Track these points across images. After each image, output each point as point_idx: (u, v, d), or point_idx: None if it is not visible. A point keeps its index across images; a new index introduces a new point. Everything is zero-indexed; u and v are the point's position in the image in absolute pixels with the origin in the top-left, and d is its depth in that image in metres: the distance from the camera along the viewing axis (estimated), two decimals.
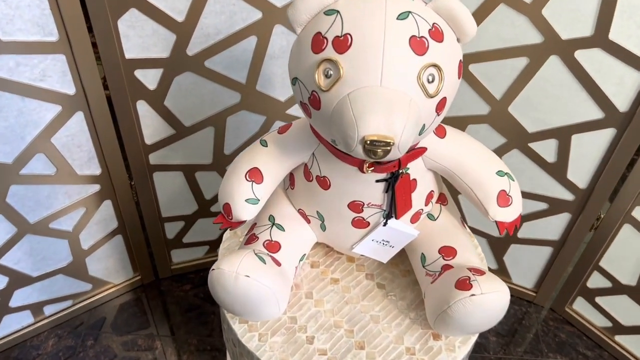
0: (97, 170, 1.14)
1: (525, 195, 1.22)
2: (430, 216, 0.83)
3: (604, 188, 1.15)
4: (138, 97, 1.07)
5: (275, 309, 0.75)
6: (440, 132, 0.76)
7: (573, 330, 1.38)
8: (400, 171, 0.73)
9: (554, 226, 1.26)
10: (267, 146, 0.77)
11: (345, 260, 0.88)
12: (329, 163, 0.74)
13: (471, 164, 0.76)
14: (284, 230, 0.80)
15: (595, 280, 1.29)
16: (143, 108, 1.09)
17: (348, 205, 0.76)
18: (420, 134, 0.64)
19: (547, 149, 1.16)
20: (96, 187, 1.17)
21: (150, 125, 1.13)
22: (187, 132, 1.16)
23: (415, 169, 0.75)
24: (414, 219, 0.80)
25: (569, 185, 1.19)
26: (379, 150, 0.58)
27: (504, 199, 0.76)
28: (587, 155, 1.13)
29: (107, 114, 1.06)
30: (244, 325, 0.79)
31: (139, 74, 1.04)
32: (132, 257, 1.35)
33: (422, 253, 0.80)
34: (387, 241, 0.80)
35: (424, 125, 0.63)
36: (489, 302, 0.70)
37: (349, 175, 0.73)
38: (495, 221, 0.77)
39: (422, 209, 0.80)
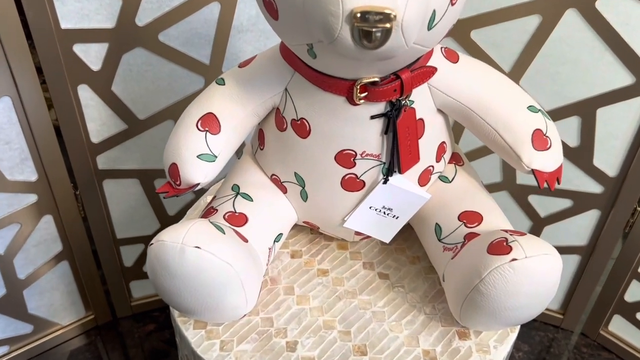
0: (32, 176, 0.95)
1: (546, 191, 1.04)
2: (443, 178, 0.64)
3: (639, 174, 0.96)
4: (79, 80, 0.90)
5: (240, 299, 0.54)
6: (451, 56, 0.58)
7: (611, 358, 1.16)
8: (403, 102, 0.54)
9: (580, 228, 1.07)
10: (224, 84, 0.59)
11: (336, 247, 0.68)
12: (308, 98, 0.55)
13: (494, 97, 0.58)
14: (251, 200, 0.61)
15: (635, 292, 1.09)
16: (86, 95, 0.91)
17: (336, 158, 0.57)
18: (429, 28, 0.46)
19: (568, 130, 0.98)
20: (32, 198, 0.97)
21: (97, 117, 0.94)
22: (143, 127, 0.98)
23: (422, 106, 0.57)
24: (423, 179, 0.61)
25: (596, 174, 1.01)
26: (374, 31, 0.40)
27: (540, 140, 0.58)
28: (616, 133, 0.95)
29: (40, 100, 0.88)
30: (200, 331, 0.58)
31: (79, 49, 0.87)
32: (83, 290, 1.13)
33: (437, 223, 0.61)
34: (389, 209, 0.60)
35: (434, 13, 0.45)
36: (537, 268, 0.50)
37: (334, 112, 0.55)
38: (532, 170, 0.58)
39: (432, 166, 0.61)
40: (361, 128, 0.56)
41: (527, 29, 0.92)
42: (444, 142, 0.62)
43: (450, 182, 0.64)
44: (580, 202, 1.04)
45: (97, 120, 0.94)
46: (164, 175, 1.04)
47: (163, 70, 0.92)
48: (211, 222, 0.54)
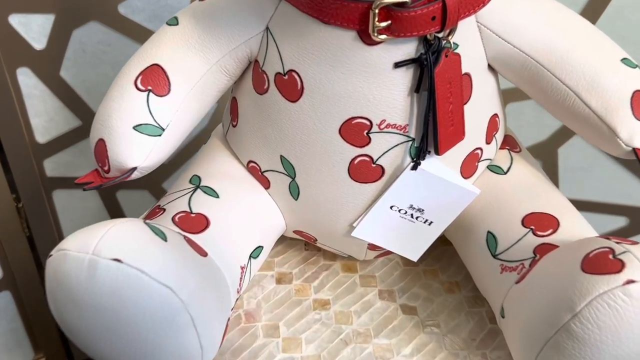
0: None
1: (595, 206, 0.85)
2: (495, 168, 0.45)
3: None
4: (18, 62, 0.74)
5: (190, 344, 0.34)
6: None
7: None
8: (445, 42, 0.36)
9: None
10: (177, 24, 0.40)
11: (341, 269, 0.48)
12: (299, 38, 0.37)
13: (574, 45, 0.40)
14: (216, 197, 0.42)
15: None
16: (28, 81, 0.75)
17: (341, 131, 0.38)
18: None
19: None
20: None
21: (42, 111, 0.78)
22: None
23: (469, 54, 0.39)
24: (468, 167, 0.42)
25: None
26: None
27: None
28: None
29: None
30: None
31: (17, 21, 0.70)
32: (30, 327, 0.94)
33: (490, 232, 0.41)
34: (419, 209, 0.41)
35: None
36: None
37: (339, 58, 0.36)
38: (634, 150, 0.39)
39: (480, 149, 0.42)
40: (380, 83, 0.37)
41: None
42: (496, 115, 0.43)
43: (505, 173, 0.44)
44: (638, 220, 0.85)
45: (43, 114, 0.78)
46: (129, 185, 0.86)
47: (125, 51, 0.75)
48: (148, 224, 0.35)
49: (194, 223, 0.39)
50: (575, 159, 0.84)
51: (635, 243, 0.34)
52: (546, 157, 0.83)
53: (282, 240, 0.50)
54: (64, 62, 0.74)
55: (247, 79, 0.42)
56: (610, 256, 0.33)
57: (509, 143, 0.47)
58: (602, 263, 0.32)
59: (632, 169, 0.83)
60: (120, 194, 0.87)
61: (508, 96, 0.76)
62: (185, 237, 0.37)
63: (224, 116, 0.47)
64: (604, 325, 0.31)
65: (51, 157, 0.81)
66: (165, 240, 0.34)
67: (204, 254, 0.37)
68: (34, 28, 0.71)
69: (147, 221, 0.35)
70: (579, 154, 0.85)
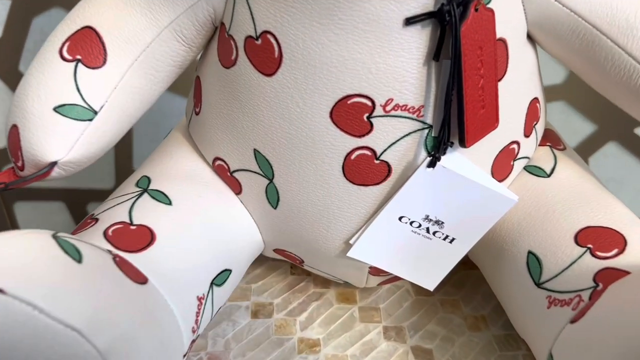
0: None
1: None
2: (534, 170, 0.34)
3: None
4: None
5: None
6: None
7: None
8: None
9: None
10: None
11: (335, 298, 0.38)
12: None
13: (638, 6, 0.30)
14: (168, 204, 0.31)
15: None
16: None
17: (332, 114, 0.28)
18: None
19: None
20: None
21: (0, 111, 0.68)
22: None
23: (505, 15, 0.29)
24: (501, 166, 0.32)
25: None
26: None
27: None
28: None
29: None
30: None
31: None
32: None
33: (531, 252, 0.31)
34: (437, 221, 0.31)
35: None
36: None
37: (330, 14, 0.26)
38: None
39: (517, 144, 0.32)
40: (385, 47, 0.27)
41: None
42: (536, 100, 0.33)
43: (548, 176, 0.34)
44: None
45: (1, 114, 0.68)
46: (102, 197, 0.77)
47: None
48: (58, 238, 0.25)
49: (133, 238, 0.29)
50: (608, 170, 0.74)
51: None
52: None
53: (263, 261, 0.40)
54: (23, 54, 0.66)
55: (212, 50, 0.32)
56: None
57: (551, 139, 0.37)
58: None
59: None
60: (92, 206, 0.77)
61: None
62: (115, 257, 0.27)
63: (187, 103, 0.37)
64: None
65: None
66: (80, 261, 0.24)
67: (141, 280, 0.27)
68: None
69: (60, 234, 0.25)
70: (611, 164, 0.75)
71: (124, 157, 0.76)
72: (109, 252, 0.27)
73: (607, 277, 0.28)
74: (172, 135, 0.37)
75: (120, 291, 0.25)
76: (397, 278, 0.36)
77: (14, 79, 0.66)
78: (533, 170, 0.34)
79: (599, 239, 0.30)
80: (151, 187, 0.32)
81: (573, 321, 0.28)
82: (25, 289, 0.22)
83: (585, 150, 0.74)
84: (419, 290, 0.39)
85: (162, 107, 0.73)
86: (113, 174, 0.76)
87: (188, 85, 0.38)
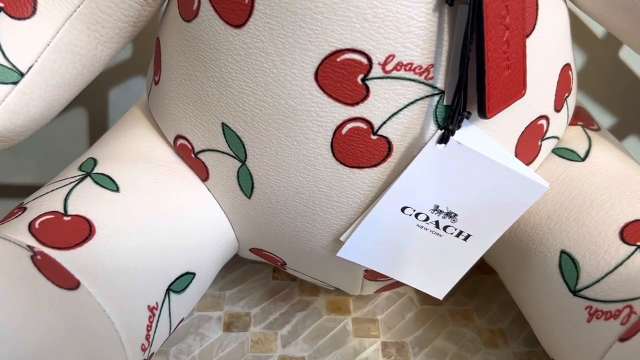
0: None
1: None
2: (566, 152, 0.28)
3: None
4: None
5: None
6: None
7: None
8: None
9: None
10: None
11: (324, 308, 0.32)
12: None
13: None
14: (115, 190, 0.25)
15: None
16: None
17: (318, 74, 0.22)
18: None
19: None
20: None
21: None
22: None
23: None
24: (526, 147, 0.26)
25: None
26: None
27: None
28: None
29: None
30: None
31: None
32: None
33: (565, 252, 0.25)
34: (449, 213, 0.25)
35: None
36: None
37: None
38: None
39: (546, 119, 0.26)
40: None
41: None
42: (569, 67, 0.27)
43: (582, 160, 0.28)
44: None
45: None
46: None
47: None
48: None
49: (65, 232, 0.23)
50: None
51: None
52: None
53: (240, 264, 0.34)
54: None
55: (173, 3, 0.26)
56: None
57: (582, 117, 0.31)
58: None
59: None
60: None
61: None
62: (38, 253, 0.21)
63: (148, 73, 0.31)
64: None
65: None
66: None
67: (70, 284, 0.21)
68: None
69: None
70: (634, 157, 0.69)
71: None
72: (29, 248, 0.21)
73: None
74: (130, 112, 0.31)
75: (34, 298, 0.19)
76: (398, 284, 0.30)
77: None
78: (564, 153, 0.28)
79: None
80: (96, 170, 0.26)
81: (623, 339, 0.22)
82: None
83: None
84: (424, 298, 0.33)
85: (141, 95, 0.67)
86: None
87: None
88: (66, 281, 0.21)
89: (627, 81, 0.67)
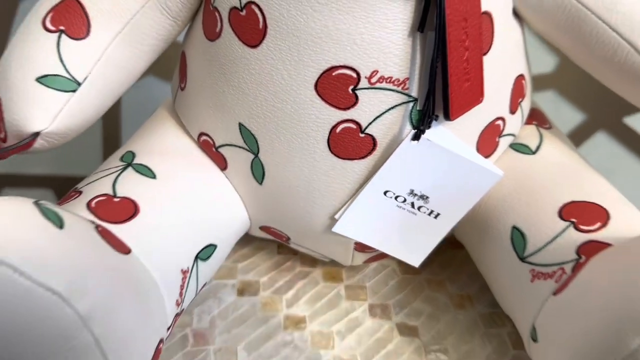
0: None
1: None
2: (520, 147, 0.34)
3: None
4: None
5: None
6: None
7: None
8: None
9: None
10: None
11: (321, 277, 0.38)
12: None
13: None
14: (152, 177, 0.31)
15: None
16: None
17: (317, 86, 0.28)
18: None
19: None
20: None
21: None
22: None
23: None
24: (486, 143, 0.32)
25: None
26: None
27: None
28: None
29: None
30: None
31: None
32: None
33: (515, 227, 0.31)
34: (422, 196, 0.31)
35: None
36: None
37: None
38: None
39: (503, 119, 0.32)
40: (370, 18, 0.27)
41: None
42: (522, 77, 0.33)
43: (533, 153, 0.34)
44: None
45: None
46: None
47: None
48: (40, 205, 0.25)
49: (116, 210, 0.29)
50: (598, 159, 0.73)
51: None
52: None
53: (250, 241, 0.40)
54: (9, 38, 0.65)
55: (197, 24, 0.32)
56: None
57: (537, 117, 0.37)
58: None
59: None
60: None
61: None
62: (98, 227, 0.27)
63: (173, 79, 0.37)
64: None
65: None
66: (61, 227, 0.24)
67: (124, 250, 0.27)
68: None
69: (42, 202, 0.25)
70: (602, 153, 0.75)
71: (112, 145, 0.75)
72: (92, 222, 0.27)
73: (590, 249, 0.28)
74: (158, 112, 0.37)
75: (102, 259, 0.25)
76: (383, 255, 0.36)
77: None
78: (519, 147, 0.34)
79: (582, 213, 0.30)
80: (135, 161, 0.32)
81: (556, 293, 0.28)
82: (5, 251, 0.21)
83: (575, 140, 0.74)
84: (405, 269, 0.39)
85: (151, 93, 0.73)
86: (100, 162, 0.76)
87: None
88: (121, 248, 0.27)
89: (596, 82, 0.73)
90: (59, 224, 0.24)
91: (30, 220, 0.23)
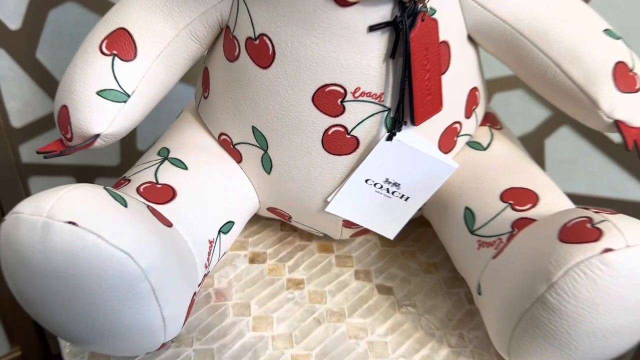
0: None
1: (581, 200, 0.83)
2: (474, 145, 0.43)
3: None
4: None
5: (152, 317, 0.33)
6: None
7: None
8: (421, 5, 0.34)
9: None
10: None
11: (317, 249, 0.47)
12: (271, 1, 0.35)
13: (555, 15, 0.39)
14: (185, 168, 0.40)
15: None
16: (3, 63, 0.72)
17: (314, 99, 0.37)
18: None
19: None
20: None
21: (18, 94, 0.75)
22: None
23: (448, 22, 0.37)
24: (446, 142, 0.41)
25: None
26: None
27: (626, 77, 0.38)
28: None
29: None
30: None
31: None
32: (6, 321, 0.91)
33: (468, 208, 0.40)
34: (395, 183, 0.40)
35: None
36: None
37: (312, 21, 0.35)
38: (616, 123, 0.38)
39: (459, 123, 0.41)
40: (354, 48, 0.35)
41: None
42: (476, 89, 0.42)
43: (484, 149, 0.43)
44: (629, 215, 0.84)
45: (19, 97, 0.75)
46: (107, 173, 0.84)
47: None
48: (108, 190, 0.33)
49: (159, 193, 0.38)
50: (562, 151, 0.81)
51: (614, 213, 0.33)
52: (533, 148, 0.81)
53: (258, 220, 0.49)
54: (40, 44, 0.72)
55: (219, 47, 0.41)
56: (588, 225, 0.31)
57: (490, 120, 0.46)
58: (579, 232, 0.31)
59: (620, 161, 0.81)
60: (100, 182, 0.85)
61: (494, 86, 0.74)
62: (148, 206, 0.35)
63: (196, 88, 0.45)
64: (580, 296, 0.30)
65: (27, 142, 0.78)
66: (126, 206, 0.33)
67: (168, 224, 0.36)
68: (8, 7, 0.69)
69: (107, 187, 0.34)
70: (566, 145, 0.82)
71: (128, 137, 0.83)
72: (143, 202, 0.36)
73: (521, 224, 0.37)
74: (184, 116, 0.45)
75: (154, 229, 0.34)
76: (366, 231, 0.45)
77: (31, 66, 0.73)
78: (473, 145, 0.43)
79: (518, 197, 0.39)
80: (170, 155, 0.41)
81: (494, 257, 0.37)
82: (90, 222, 0.30)
83: (542, 134, 0.82)
84: (384, 242, 0.48)
85: (161, 102, 0.81)
86: (118, 152, 0.84)
87: (186, 75, 0.46)
88: (166, 222, 0.36)
89: None
90: (124, 203, 0.33)
91: (104, 201, 0.32)
